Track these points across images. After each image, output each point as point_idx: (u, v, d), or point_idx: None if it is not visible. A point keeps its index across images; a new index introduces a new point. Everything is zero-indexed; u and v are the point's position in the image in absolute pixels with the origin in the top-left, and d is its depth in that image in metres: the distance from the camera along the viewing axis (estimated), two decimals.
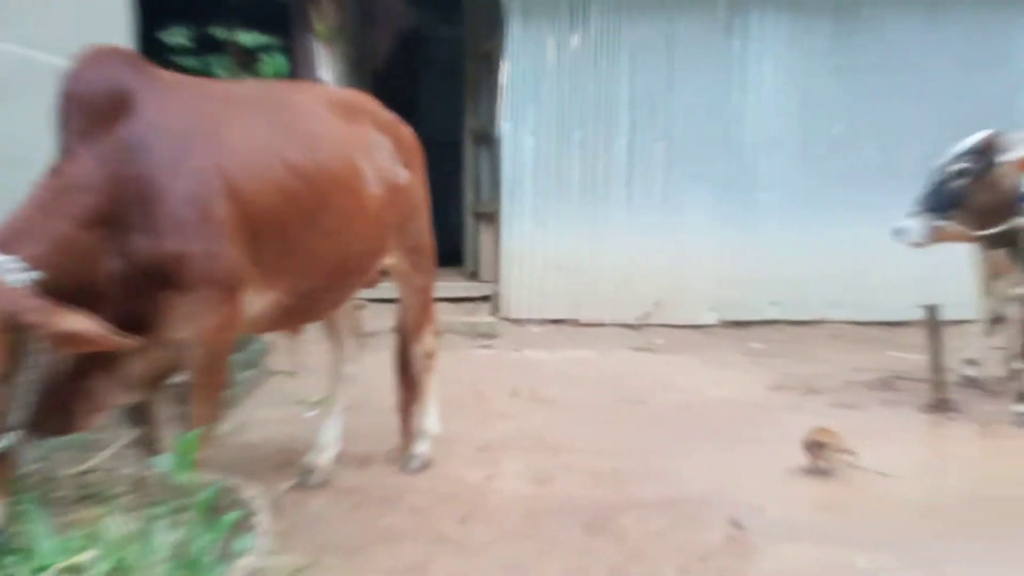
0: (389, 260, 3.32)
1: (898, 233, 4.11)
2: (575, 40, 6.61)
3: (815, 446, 3.58)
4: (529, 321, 6.72)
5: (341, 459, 3.54)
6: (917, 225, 4.04)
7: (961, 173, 3.96)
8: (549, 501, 3.34)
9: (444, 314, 6.72)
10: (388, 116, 3.38)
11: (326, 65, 6.84)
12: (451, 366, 5.56)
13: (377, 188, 3.03)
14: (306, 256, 2.77)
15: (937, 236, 4.07)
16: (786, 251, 6.59)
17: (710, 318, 6.72)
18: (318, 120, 2.91)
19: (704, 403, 4.86)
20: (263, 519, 2.01)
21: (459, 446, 3.87)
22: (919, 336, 6.46)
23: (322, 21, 6.86)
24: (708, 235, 6.62)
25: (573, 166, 6.70)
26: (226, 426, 4.15)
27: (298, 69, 7.06)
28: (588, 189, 6.69)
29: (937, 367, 4.64)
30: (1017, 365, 4.42)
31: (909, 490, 3.48)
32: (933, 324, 4.66)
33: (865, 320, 6.57)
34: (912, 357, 5.73)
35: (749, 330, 6.69)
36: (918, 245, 4.11)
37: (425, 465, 3.59)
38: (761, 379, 5.37)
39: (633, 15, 6.59)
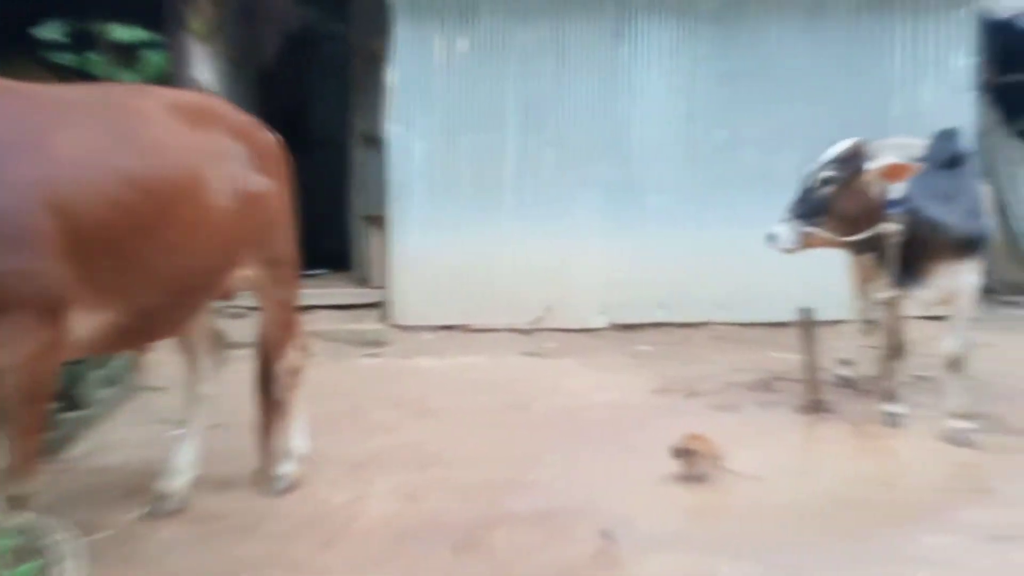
0: (245, 273, 3.16)
1: (770, 239, 4.18)
2: (464, 42, 6.52)
3: (686, 453, 3.60)
4: (420, 328, 6.59)
5: (199, 483, 3.35)
6: (787, 231, 4.12)
7: (828, 180, 4.05)
8: (419, 520, 3.25)
9: (330, 322, 6.60)
10: (243, 120, 3.22)
11: (202, 64, 6.53)
12: (334, 377, 5.45)
13: (226, 198, 2.86)
14: (144, 272, 2.59)
15: (807, 242, 4.15)
16: (673, 254, 6.67)
17: (600, 321, 6.74)
18: (159, 127, 2.73)
19: (587, 408, 4.85)
20: (72, 566, 1.84)
21: (330, 465, 3.74)
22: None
23: (198, 18, 6.55)
24: (597, 239, 6.63)
25: (463, 170, 6.61)
26: (79, 449, 3.94)
27: (176, 67, 6.76)
28: (479, 193, 6.61)
29: (811, 368, 4.75)
30: (885, 366, 4.56)
31: (778, 494, 3.53)
32: (807, 326, 4.77)
33: (748, 321, 6.70)
34: (791, 357, 5.86)
35: (638, 332, 6.74)
36: (789, 251, 4.18)
37: (290, 487, 3.44)
38: (646, 382, 5.40)
39: (523, 18, 6.54)
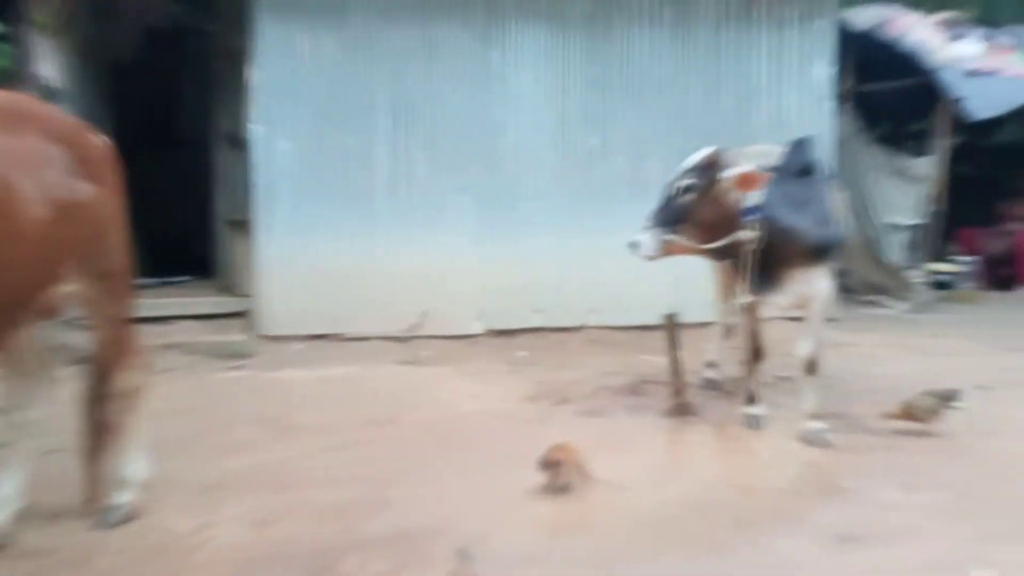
0: (72, 287, 2.90)
1: (632, 247, 4.20)
2: (331, 41, 6.31)
3: (551, 464, 3.55)
4: (288, 338, 6.35)
5: (26, 515, 3.06)
6: (649, 239, 4.15)
7: (687, 189, 4.10)
8: (268, 548, 3.07)
9: (191, 333, 6.27)
10: (67, 123, 2.96)
11: (48, 59, 6.07)
12: (191, 393, 5.17)
13: (42, 208, 2.61)
14: None
15: (667, 249, 4.19)
16: (547, 259, 6.67)
17: (477, 327, 6.68)
18: None
19: (458, 419, 4.76)
20: None
21: (176, 490, 3.49)
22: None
23: (43, 10, 6.09)
24: (473, 245, 6.56)
25: (333, 173, 6.40)
26: None
27: (19, 63, 6.26)
28: (349, 197, 6.42)
29: (676, 372, 4.81)
30: (746, 368, 4.66)
31: (640, 502, 3.53)
32: (671, 331, 4.82)
33: (621, 325, 6.76)
34: (660, 360, 5.97)
35: (515, 338, 6.71)
36: (651, 258, 4.21)
37: (128, 517, 3.18)
38: (519, 389, 5.35)
39: (392, 18, 6.40)
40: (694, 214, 4.13)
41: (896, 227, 8.77)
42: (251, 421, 4.64)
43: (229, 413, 4.80)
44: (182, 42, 7.71)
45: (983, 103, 7.74)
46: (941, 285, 9.38)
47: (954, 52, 8.19)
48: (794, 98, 7.00)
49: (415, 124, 6.45)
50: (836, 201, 4.62)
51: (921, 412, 4.35)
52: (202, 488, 3.60)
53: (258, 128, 6.23)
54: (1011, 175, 9.98)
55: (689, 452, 4.29)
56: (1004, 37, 8.85)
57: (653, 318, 6.76)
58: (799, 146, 4.41)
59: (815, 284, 4.34)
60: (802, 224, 4.10)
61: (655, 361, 5.73)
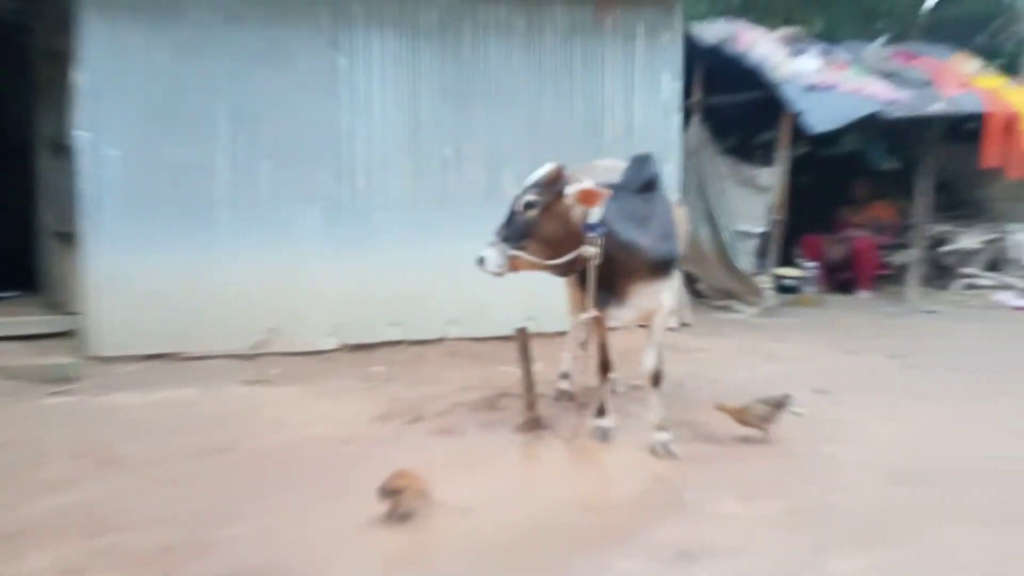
0: None
1: (479, 262, 4.10)
2: (165, 42, 5.92)
3: (392, 492, 3.41)
4: (121, 359, 5.91)
5: None
6: (495, 254, 4.06)
7: (530, 205, 4.04)
8: None
9: (12, 355, 5.74)
10: None
11: None
12: (5, 424, 4.71)
13: None
14: None
15: (513, 265, 4.12)
16: (403, 270, 6.51)
17: (331, 343, 6.44)
18: None
19: (302, 444, 4.53)
20: None
21: None
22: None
23: None
24: (324, 257, 6.31)
25: (169, 183, 5.99)
26: None
27: None
28: (189, 209, 6.03)
29: (528, 387, 4.76)
30: (596, 380, 4.67)
31: (485, 526, 3.44)
32: (523, 344, 4.77)
33: (481, 336, 6.69)
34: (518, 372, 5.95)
35: (371, 353, 6.52)
36: (497, 274, 4.13)
37: None
38: (371, 408, 5.16)
39: (233, 19, 6.05)
40: (538, 230, 4.07)
41: (745, 234, 9.12)
42: (70, 454, 4.25)
43: (46, 445, 4.39)
44: (2, 41, 7.07)
45: (821, 117, 8.14)
46: (787, 289, 9.83)
47: (794, 67, 8.60)
48: (643, 111, 7.13)
49: (258, 131, 6.13)
50: (678, 215, 4.70)
51: (754, 419, 4.48)
52: (4, 535, 3.25)
53: (83, 134, 5.76)
54: (849, 184, 10.57)
55: (538, 470, 4.23)
56: (841, 53, 9.38)
57: (512, 326, 6.83)
58: (640, 162, 4.45)
59: (656, 298, 4.39)
60: (642, 240, 4.14)
61: (515, 372, 5.71)
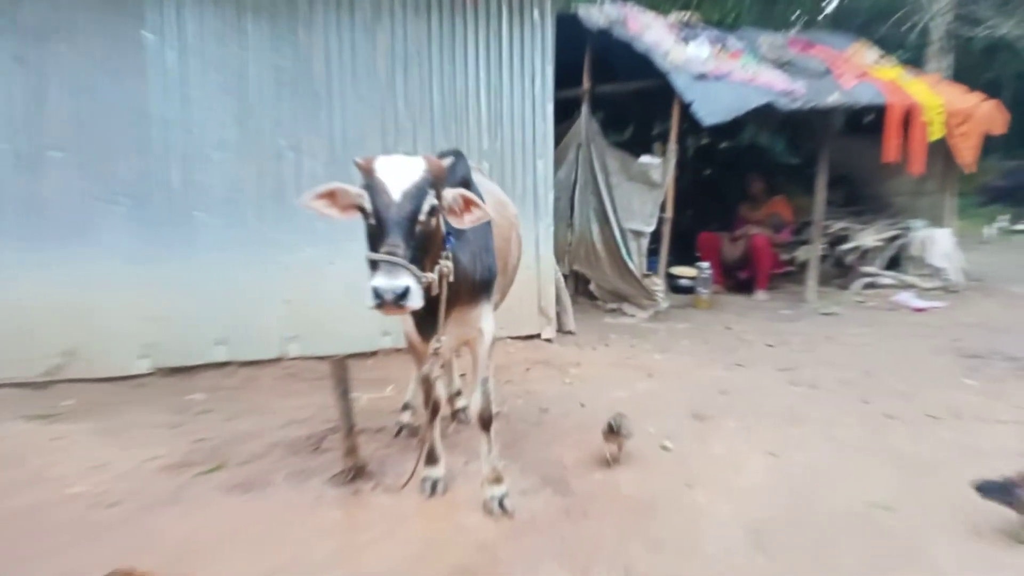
0: None
1: (397, 300, 2.73)
2: None
3: None
4: None
5: None
6: (415, 284, 2.81)
7: (434, 210, 3.00)
8: None
9: None
10: None
11: None
12: None
13: None
14: None
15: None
16: (232, 281, 5.63)
17: (143, 366, 5.52)
18: None
19: (54, 506, 3.65)
20: None
21: None
22: (383, 368, 6.08)
23: None
24: (130, 265, 5.36)
25: None
26: None
27: None
28: None
29: (348, 430, 3.98)
30: (425, 422, 3.93)
31: None
32: (340, 377, 3.98)
33: (327, 354, 5.82)
34: (368, 396, 5.21)
35: (192, 378, 5.63)
36: (414, 312, 2.95)
37: None
38: (166, 452, 4.31)
39: None
40: (433, 244, 3.08)
41: (636, 233, 8.51)
42: None
43: None
44: None
45: (711, 108, 7.56)
46: (682, 290, 9.30)
47: (686, 54, 8.00)
48: (511, 99, 6.40)
49: (49, 119, 5.15)
50: (504, 224, 3.99)
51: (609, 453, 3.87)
52: None
53: None
54: (746, 178, 10.08)
55: (337, 542, 3.44)
56: (734, 40, 8.83)
57: (364, 343, 6.03)
58: (454, 163, 3.67)
59: (479, 324, 3.63)
60: (462, 255, 3.38)
61: (358, 398, 4.94)
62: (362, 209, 2.92)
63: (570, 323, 7.49)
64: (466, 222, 3.15)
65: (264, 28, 5.57)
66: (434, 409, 3.89)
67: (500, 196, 4.39)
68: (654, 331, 7.76)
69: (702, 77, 7.79)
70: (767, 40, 9.01)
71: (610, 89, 9.12)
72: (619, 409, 4.31)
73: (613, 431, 4.10)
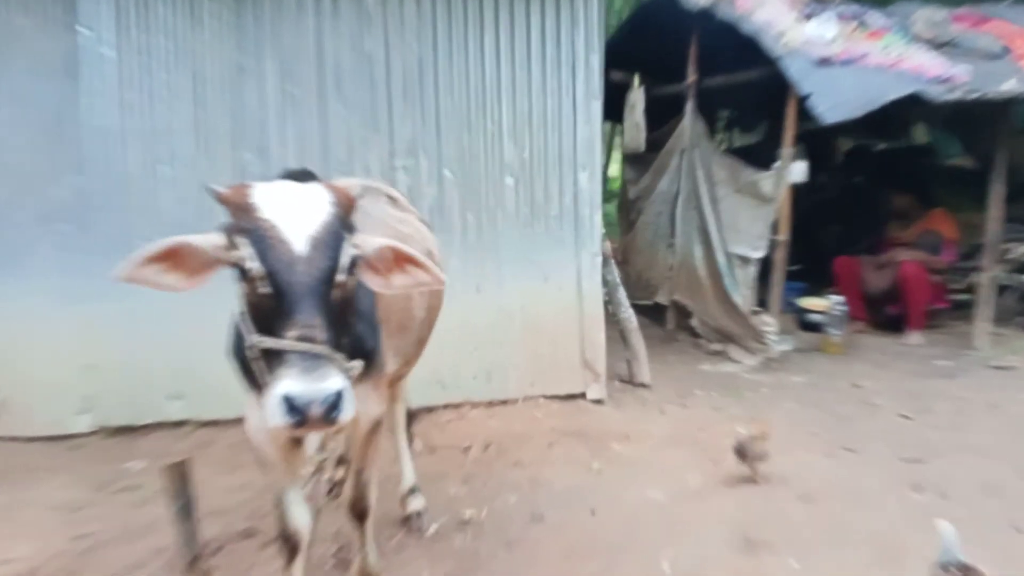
0: None
1: (330, 410, 1.80)
2: None
3: None
4: None
5: None
6: (349, 386, 1.89)
7: (354, 264, 2.03)
8: None
9: None
10: None
11: None
12: None
13: None
14: None
15: None
16: (190, 323, 4.64)
17: (83, 423, 4.67)
18: None
19: None
20: None
21: None
22: None
23: None
24: (66, 303, 4.50)
25: None
26: None
27: None
28: None
29: (189, 563, 2.84)
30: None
31: None
32: (179, 494, 2.84)
33: None
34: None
35: (139, 439, 4.72)
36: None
37: None
38: (26, 552, 3.39)
39: None
40: (351, 315, 2.14)
41: (743, 258, 6.87)
42: None
43: None
44: None
45: (833, 101, 5.83)
46: (814, 327, 7.50)
47: (805, 34, 6.28)
48: (544, 96, 5.04)
49: None
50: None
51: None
52: None
53: None
54: (893, 191, 8.09)
55: None
56: (878, 16, 6.96)
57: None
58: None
59: (359, 404, 2.40)
60: None
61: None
62: (239, 268, 1.89)
63: (643, 374, 6.01)
64: (395, 286, 2.21)
65: (224, 18, 4.55)
66: (292, 547, 2.67)
67: (417, 226, 3.39)
68: (756, 386, 6.12)
69: (824, 62, 6.05)
70: (924, 15, 7.04)
71: (719, 82, 7.49)
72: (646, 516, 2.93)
73: (743, 455, 3.89)
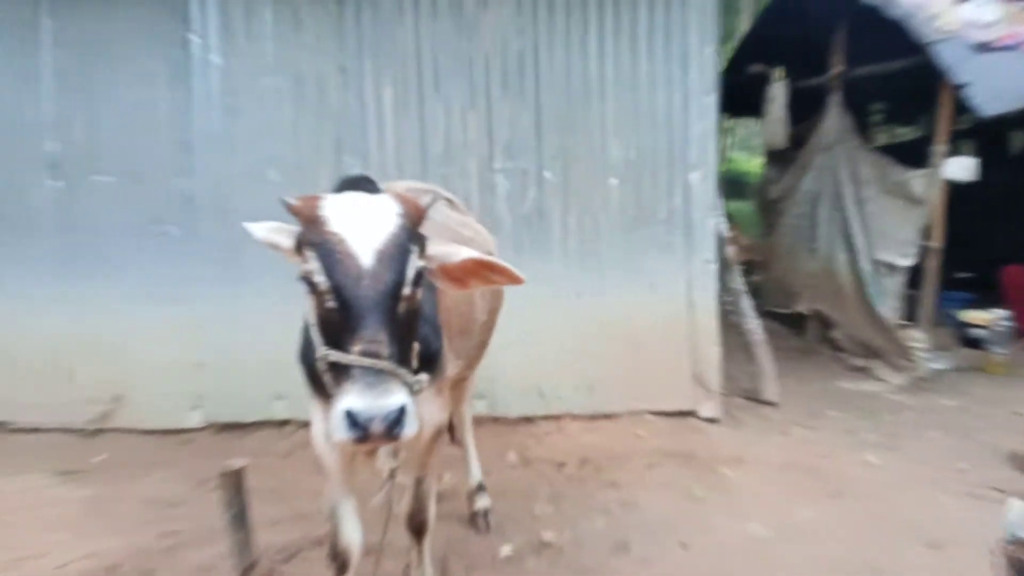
0: None
1: (391, 426, 1.74)
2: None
3: None
4: None
5: None
6: (411, 403, 1.81)
7: (419, 277, 1.95)
8: None
9: None
10: None
11: None
12: None
13: None
14: None
15: None
16: (294, 322, 4.69)
17: (194, 419, 4.82)
18: None
19: None
20: None
21: None
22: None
23: None
24: (177, 302, 4.68)
25: None
26: None
27: None
28: (3, 241, 4.70)
29: (244, 572, 2.80)
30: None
31: None
32: (233, 502, 2.81)
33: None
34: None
35: (243, 436, 4.82)
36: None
37: None
38: (116, 546, 3.50)
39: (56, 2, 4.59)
40: (417, 328, 2.06)
41: (890, 266, 6.25)
42: None
43: None
44: None
45: (994, 91, 5.18)
46: (972, 343, 6.71)
47: (961, 17, 5.60)
48: (652, 91, 4.72)
49: (88, 138, 4.62)
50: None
51: None
52: None
53: None
54: None
55: None
56: None
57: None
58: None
59: (422, 410, 2.30)
60: None
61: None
62: (308, 282, 1.87)
63: (769, 391, 5.55)
64: (467, 287, 2.19)
65: (326, 22, 4.56)
66: (341, 564, 2.58)
67: (477, 228, 3.33)
68: (898, 408, 5.53)
69: (983, 48, 5.38)
70: None
71: (868, 73, 6.85)
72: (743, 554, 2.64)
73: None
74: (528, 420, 4.88)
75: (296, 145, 4.65)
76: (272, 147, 4.65)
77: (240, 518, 2.82)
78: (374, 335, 1.78)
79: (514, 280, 2.11)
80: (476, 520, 3.63)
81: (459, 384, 3.37)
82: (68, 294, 4.65)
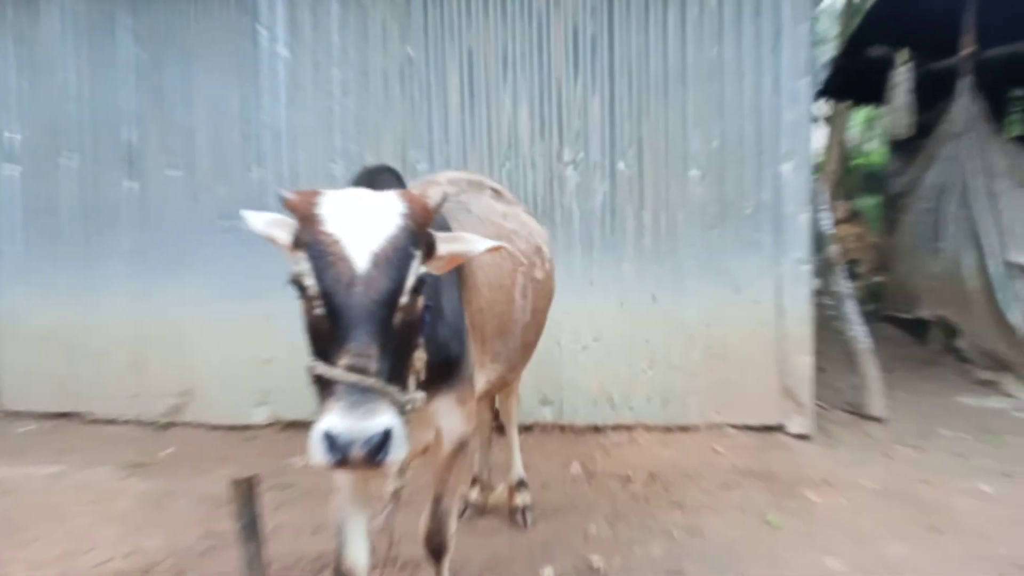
0: None
1: (375, 450, 1.57)
2: (34, 29, 4.74)
3: None
4: (23, 415, 4.92)
5: None
6: (399, 424, 1.64)
7: (421, 284, 1.79)
8: None
9: None
10: None
11: None
12: None
13: None
14: None
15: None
16: None
17: (260, 416, 4.80)
18: None
19: None
20: None
21: None
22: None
23: None
24: (246, 299, 4.65)
25: (61, 203, 4.83)
26: None
27: None
28: (83, 235, 4.84)
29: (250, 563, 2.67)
30: None
31: None
32: (244, 511, 2.68)
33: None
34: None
35: (304, 435, 4.74)
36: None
37: None
38: (157, 544, 3.50)
39: None
40: (414, 340, 1.88)
41: (1020, 269, 5.56)
42: None
43: None
44: None
45: None
46: None
47: None
48: (739, 76, 4.31)
49: (166, 136, 4.67)
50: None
51: None
52: None
53: None
54: None
55: None
56: None
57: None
58: (372, 181, 2.17)
59: (436, 423, 2.29)
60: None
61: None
62: (299, 285, 1.74)
63: (874, 405, 5.03)
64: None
65: (392, 12, 4.41)
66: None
67: (524, 220, 3.15)
68: None
69: None
70: None
71: (1005, 53, 6.13)
72: None
73: None
74: (597, 429, 4.59)
75: (360, 138, 4.53)
76: (336, 140, 4.55)
77: (251, 529, 2.69)
78: (363, 348, 1.62)
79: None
80: (515, 516, 3.56)
81: (500, 388, 3.17)
82: (143, 288, 4.73)
